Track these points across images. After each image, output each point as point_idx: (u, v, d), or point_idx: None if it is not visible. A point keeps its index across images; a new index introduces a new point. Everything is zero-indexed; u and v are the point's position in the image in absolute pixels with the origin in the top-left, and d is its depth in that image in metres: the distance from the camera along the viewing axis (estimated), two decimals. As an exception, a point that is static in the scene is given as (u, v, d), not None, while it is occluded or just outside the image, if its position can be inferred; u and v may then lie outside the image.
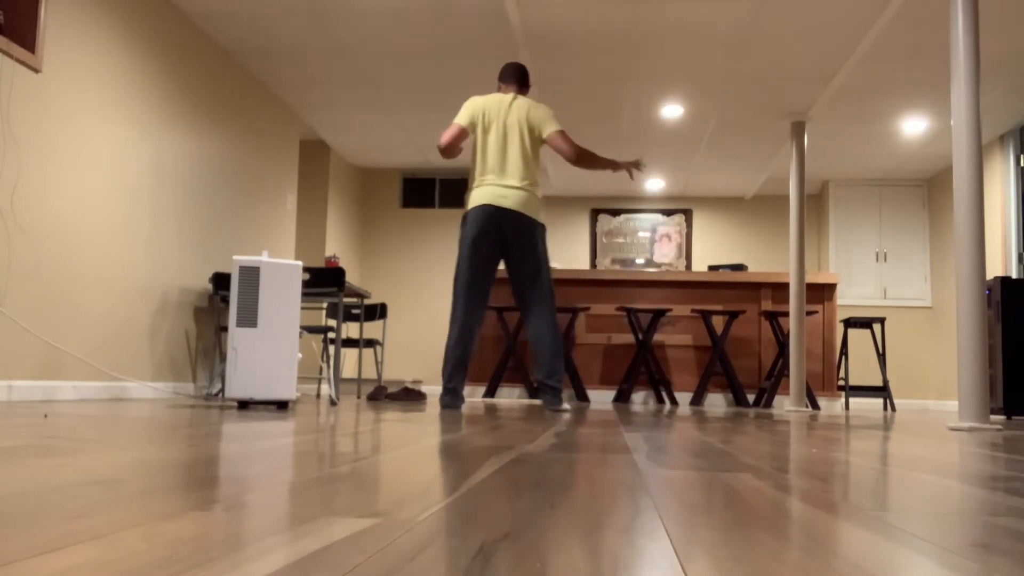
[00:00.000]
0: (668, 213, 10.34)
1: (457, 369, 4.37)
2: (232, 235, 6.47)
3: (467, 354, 4.39)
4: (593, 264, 10.27)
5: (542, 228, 4.47)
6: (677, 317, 7.50)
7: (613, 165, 4.57)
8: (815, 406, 7.06)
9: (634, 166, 4.64)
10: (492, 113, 4.48)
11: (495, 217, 4.36)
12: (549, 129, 4.46)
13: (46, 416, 2.61)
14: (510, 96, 4.55)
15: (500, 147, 4.43)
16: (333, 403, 4.68)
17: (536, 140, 4.48)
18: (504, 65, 4.76)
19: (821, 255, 10.06)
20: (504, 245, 4.43)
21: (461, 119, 4.51)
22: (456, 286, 4.45)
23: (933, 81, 6.58)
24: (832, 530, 0.80)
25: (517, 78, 4.65)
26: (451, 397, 4.36)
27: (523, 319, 4.53)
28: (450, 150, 4.46)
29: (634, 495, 1.02)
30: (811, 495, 1.07)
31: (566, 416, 3.73)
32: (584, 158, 4.46)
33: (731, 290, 7.52)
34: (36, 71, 4.27)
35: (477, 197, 4.42)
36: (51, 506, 0.82)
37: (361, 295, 6.07)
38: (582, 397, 7.04)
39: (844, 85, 6.72)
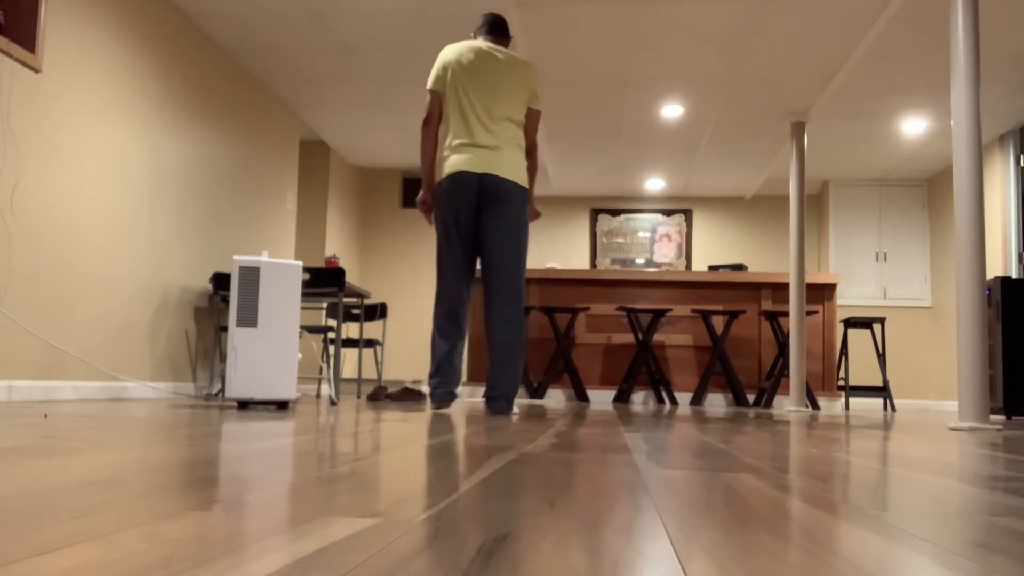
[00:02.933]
0: (668, 213, 10.34)
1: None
2: (232, 235, 6.47)
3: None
4: (593, 264, 10.27)
5: (527, 195, 3.93)
6: (677, 317, 7.50)
7: (532, 197, 4.03)
8: (815, 406, 7.06)
9: (535, 214, 4.12)
10: (476, 65, 3.87)
11: (475, 184, 3.81)
12: (538, 104, 4.01)
13: (46, 416, 2.61)
14: (504, 51, 3.95)
15: (487, 104, 3.85)
16: (333, 403, 4.68)
17: (524, 106, 3.96)
18: (484, 16, 4.15)
19: (821, 255, 10.06)
20: (478, 214, 3.89)
21: (437, 83, 3.93)
22: (441, 267, 3.98)
23: (933, 81, 6.58)
24: (832, 530, 0.80)
25: (501, 31, 4.07)
26: (447, 394, 4.01)
27: (486, 311, 3.92)
28: (433, 122, 3.91)
29: (634, 495, 1.02)
30: (811, 495, 1.07)
31: (515, 418, 3.36)
32: (534, 155, 4.01)
33: (731, 290, 7.52)
34: (36, 71, 4.27)
35: (453, 163, 3.84)
36: (51, 506, 0.82)
37: (361, 295, 6.07)
38: (582, 397, 7.04)
39: (844, 85, 6.72)
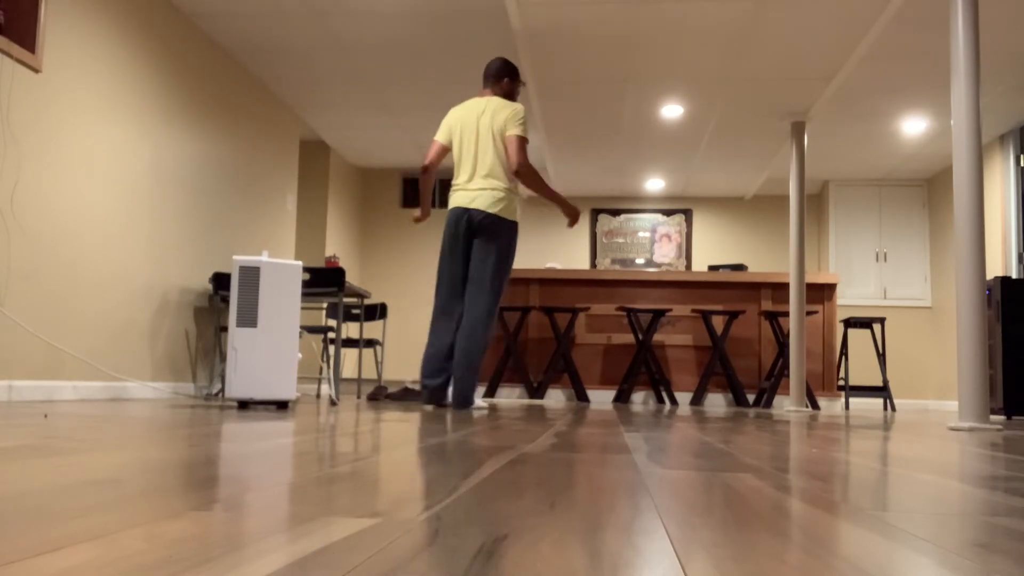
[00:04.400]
0: (668, 213, 10.34)
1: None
2: (232, 235, 6.47)
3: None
4: (593, 264, 10.27)
5: (511, 226, 4.46)
6: (677, 317, 7.50)
7: (561, 200, 4.58)
8: (815, 406, 7.06)
9: (574, 215, 4.64)
10: (466, 120, 4.53)
11: (464, 218, 4.43)
12: (510, 131, 4.44)
13: (46, 416, 2.61)
14: (484, 100, 4.54)
15: (472, 152, 4.47)
16: (333, 403, 4.68)
17: (502, 142, 4.50)
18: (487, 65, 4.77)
19: (821, 255, 10.06)
20: (470, 243, 4.49)
21: (440, 136, 4.60)
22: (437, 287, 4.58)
23: (933, 81, 6.58)
24: (832, 530, 0.80)
25: (491, 77, 4.63)
26: (436, 395, 4.43)
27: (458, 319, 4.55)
28: (432, 168, 4.56)
29: (634, 495, 1.02)
30: (811, 495, 1.07)
31: (483, 412, 3.95)
32: (530, 176, 4.41)
33: (731, 290, 7.52)
34: (36, 71, 4.27)
35: (451, 201, 4.52)
36: (51, 506, 0.82)
37: (361, 295, 6.07)
38: (582, 397, 7.04)
39: (844, 85, 6.72)
